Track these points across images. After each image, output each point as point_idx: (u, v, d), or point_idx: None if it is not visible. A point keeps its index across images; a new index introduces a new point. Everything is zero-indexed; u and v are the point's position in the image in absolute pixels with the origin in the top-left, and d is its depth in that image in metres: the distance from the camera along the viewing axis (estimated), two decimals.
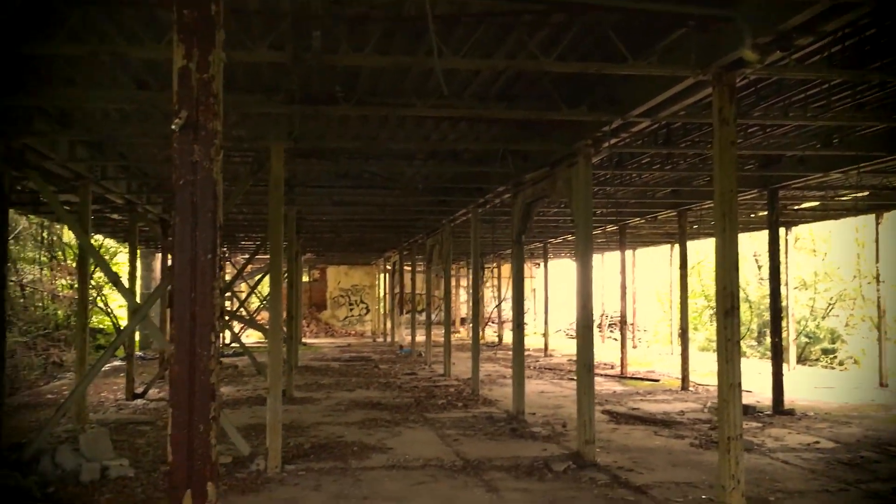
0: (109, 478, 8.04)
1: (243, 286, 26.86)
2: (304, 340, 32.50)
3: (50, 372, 19.98)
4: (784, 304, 13.42)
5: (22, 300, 23.07)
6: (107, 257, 31.65)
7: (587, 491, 7.84)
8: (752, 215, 17.38)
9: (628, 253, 22.23)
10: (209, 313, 2.91)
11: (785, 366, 13.24)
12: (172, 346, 2.79)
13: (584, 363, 9.24)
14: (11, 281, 23.51)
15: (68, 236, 29.38)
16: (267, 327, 17.88)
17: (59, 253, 28.05)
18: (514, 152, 10.86)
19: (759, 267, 29.87)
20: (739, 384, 6.19)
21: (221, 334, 23.13)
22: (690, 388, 15.97)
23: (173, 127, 2.90)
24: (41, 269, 25.95)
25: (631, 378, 18.23)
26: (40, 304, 24.65)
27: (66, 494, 7.47)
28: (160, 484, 7.89)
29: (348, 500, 7.43)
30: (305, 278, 39.26)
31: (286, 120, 8.92)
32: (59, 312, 25.34)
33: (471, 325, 16.28)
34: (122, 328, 27.04)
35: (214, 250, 2.94)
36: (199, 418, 2.85)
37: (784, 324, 13.47)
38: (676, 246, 25.36)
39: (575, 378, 17.49)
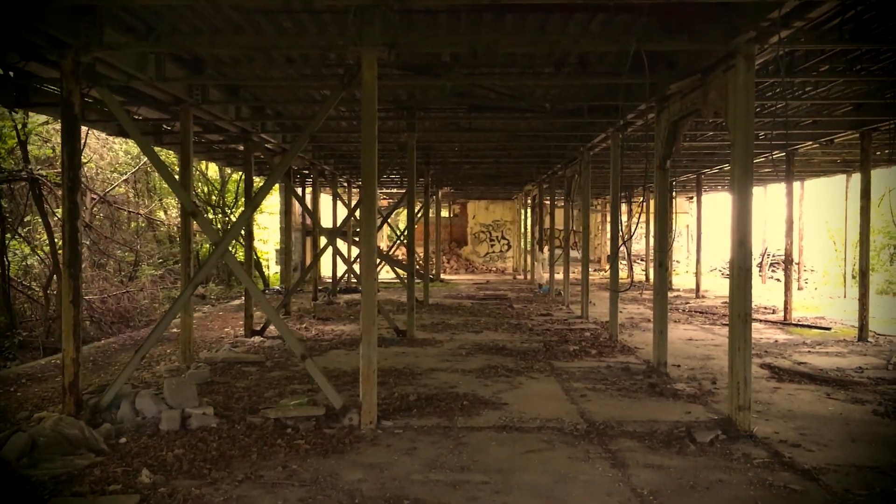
0: (189, 428, 7.30)
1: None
2: (442, 277, 31.84)
3: None
4: None
5: (152, 234, 23.59)
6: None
7: (739, 472, 6.26)
8: None
9: (795, 185, 19.58)
10: None
11: None
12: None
13: (740, 312, 7.46)
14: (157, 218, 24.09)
15: (213, 171, 29.95)
16: (405, 263, 17.10)
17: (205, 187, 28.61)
18: (657, 57, 9.04)
19: None
20: None
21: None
22: (870, 340, 13.66)
23: None
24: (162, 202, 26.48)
25: (796, 325, 16.00)
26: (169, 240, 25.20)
27: (136, 446, 6.73)
28: (240, 438, 7.06)
29: (443, 470, 6.27)
30: (445, 213, 38.56)
31: (381, 23, 7.58)
32: (205, 246, 25.85)
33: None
34: (260, 265, 27.44)
35: None
36: None
37: None
38: (854, 175, 22.34)
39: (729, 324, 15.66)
